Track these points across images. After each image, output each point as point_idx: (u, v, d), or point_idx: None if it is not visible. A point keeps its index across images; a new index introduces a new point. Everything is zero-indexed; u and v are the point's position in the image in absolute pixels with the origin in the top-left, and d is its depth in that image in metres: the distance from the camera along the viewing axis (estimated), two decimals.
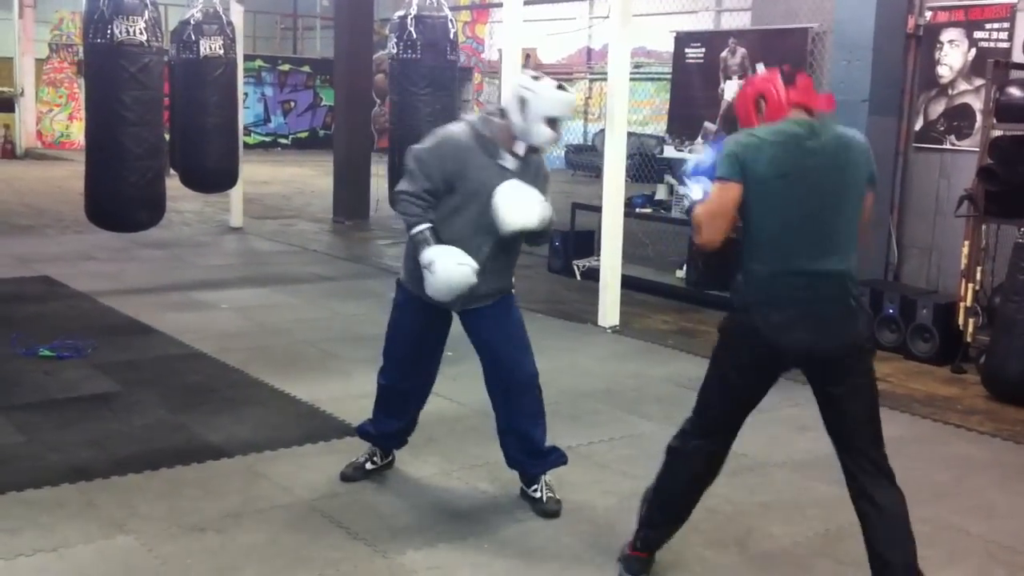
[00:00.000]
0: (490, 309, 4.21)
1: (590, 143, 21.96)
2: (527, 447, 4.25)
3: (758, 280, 3.35)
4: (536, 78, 4.05)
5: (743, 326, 3.40)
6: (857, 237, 3.37)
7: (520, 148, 4.04)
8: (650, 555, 3.69)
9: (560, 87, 4.05)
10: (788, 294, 3.31)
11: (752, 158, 3.25)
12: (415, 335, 4.30)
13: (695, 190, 3.41)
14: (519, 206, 3.95)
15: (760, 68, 8.77)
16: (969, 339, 6.69)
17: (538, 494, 4.25)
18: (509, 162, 4.04)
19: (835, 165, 3.30)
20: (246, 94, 20.69)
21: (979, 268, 6.74)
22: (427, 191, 4.03)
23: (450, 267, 3.95)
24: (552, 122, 4.00)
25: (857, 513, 3.48)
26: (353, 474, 4.49)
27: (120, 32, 7.24)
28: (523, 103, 3.96)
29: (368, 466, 4.52)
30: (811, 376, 3.47)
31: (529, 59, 21.53)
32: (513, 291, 4.31)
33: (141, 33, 7.32)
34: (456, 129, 4.10)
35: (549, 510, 4.19)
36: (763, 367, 3.47)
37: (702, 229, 3.35)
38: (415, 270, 4.14)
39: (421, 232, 4.04)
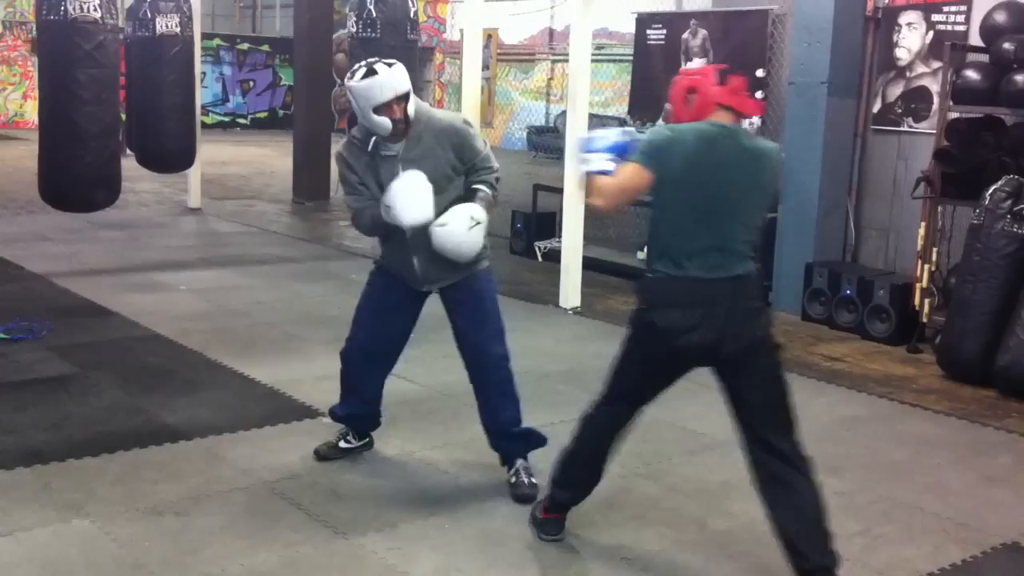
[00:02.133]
0: (462, 290, 4.18)
1: (552, 125, 21.94)
2: (499, 429, 4.25)
3: (660, 281, 3.37)
4: (352, 74, 3.97)
5: (646, 325, 3.41)
6: (755, 244, 3.45)
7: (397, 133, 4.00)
8: (562, 516, 3.80)
9: (368, 72, 3.91)
10: (688, 298, 3.32)
11: (668, 153, 3.28)
12: (385, 305, 4.29)
13: (600, 161, 3.41)
14: (411, 203, 3.90)
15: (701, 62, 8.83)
16: (925, 319, 6.78)
17: (513, 478, 4.21)
18: (393, 149, 4.02)
19: (742, 172, 3.33)
20: (204, 73, 20.47)
21: (935, 249, 6.82)
22: (360, 184, 4.09)
23: (402, 185, 3.92)
24: (382, 108, 3.90)
25: (765, 502, 3.49)
26: (327, 453, 4.49)
27: (74, 9, 7.11)
28: (354, 103, 3.96)
29: (342, 444, 4.52)
30: (716, 372, 3.47)
31: (491, 39, 21.46)
32: (486, 264, 4.24)
33: (96, 10, 7.19)
34: (339, 148, 4.20)
35: (521, 494, 4.14)
36: (665, 363, 3.50)
37: (604, 195, 3.39)
38: (390, 251, 4.19)
39: (369, 205, 4.06)
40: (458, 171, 4.08)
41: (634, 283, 3.52)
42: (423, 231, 3.97)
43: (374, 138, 4.03)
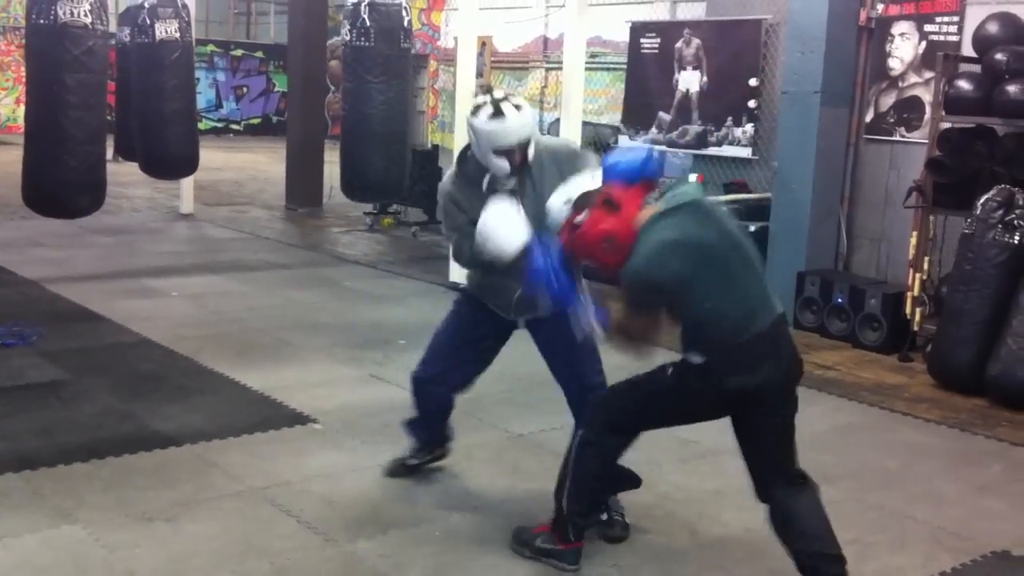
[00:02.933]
0: (551, 321, 3.98)
1: (546, 132, 21.96)
2: None
3: (725, 353, 3.33)
4: (476, 110, 3.84)
5: (710, 386, 3.38)
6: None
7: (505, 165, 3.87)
8: (583, 542, 3.71)
9: (496, 113, 3.78)
10: (756, 358, 3.33)
11: (676, 259, 3.25)
12: (470, 338, 4.15)
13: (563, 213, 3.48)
14: (504, 233, 3.77)
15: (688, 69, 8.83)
16: (917, 328, 6.79)
17: (604, 516, 3.95)
18: (508, 184, 3.89)
19: (725, 224, 3.36)
20: (198, 79, 20.42)
21: (927, 258, 6.84)
22: (469, 223, 3.92)
23: (491, 218, 3.80)
24: (504, 153, 3.81)
25: (774, 522, 3.50)
26: (397, 470, 4.43)
27: (64, 13, 7.07)
28: (473, 137, 3.87)
29: (412, 461, 4.45)
30: (747, 409, 3.44)
31: (485, 47, 21.45)
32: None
33: (86, 15, 7.16)
34: (444, 180, 4.10)
35: (612, 535, 3.93)
36: (715, 411, 3.51)
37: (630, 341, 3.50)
38: (482, 280, 4.06)
39: (466, 225, 3.91)
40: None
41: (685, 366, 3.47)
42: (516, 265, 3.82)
43: (488, 175, 3.90)
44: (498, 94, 3.84)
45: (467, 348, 4.17)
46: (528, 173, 3.90)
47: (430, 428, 4.42)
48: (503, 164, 3.83)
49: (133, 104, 9.31)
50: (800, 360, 3.49)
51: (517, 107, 3.82)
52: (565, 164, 3.87)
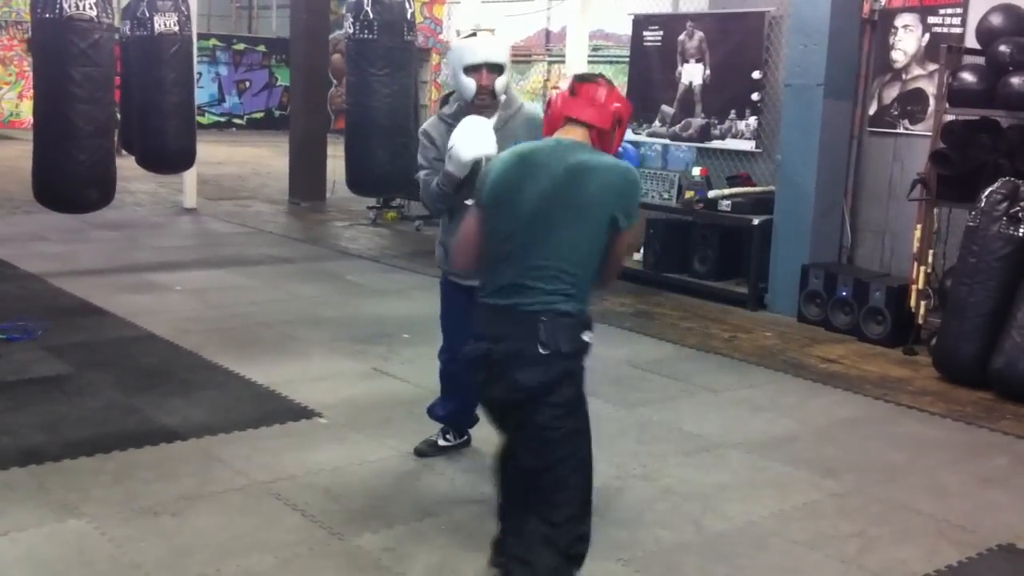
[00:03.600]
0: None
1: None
2: None
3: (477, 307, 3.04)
4: (457, 35, 4.12)
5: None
6: (575, 277, 2.91)
7: (490, 113, 4.03)
8: None
9: (470, 35, 4.08)
10: (479, 330, 2.99)
11: (486, 180, 3.06)
12: (455, 313, 4.26)
13: None
14: (472, 139, 3.84)
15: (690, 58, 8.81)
16: (921, 321, 6.78)
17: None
18: (491, 121, 4.01)
19: (558, 190, 2.91)
20: (200, 74, 20.42)
21: (931, 251, 6.82)
22: (436, 159, 4.12)
23: (467, 124, 3.90)
24: (471, 70, 4.02)
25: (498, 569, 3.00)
26: (427, 450, 4.56)
27: (70, 6, 7.08)
28: (448, 64, 4.07)
29: (441, 442, 4.58)
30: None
31: None
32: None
33: (91, 8, 7.16)
34: (427, 122, 4.32)
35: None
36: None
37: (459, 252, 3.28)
38: (445, 254, 4.20)
39: (434, 160, 4.07)
40: None
41: None
42: None
43: (458, 105, 4.11)
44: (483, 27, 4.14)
45: (463, 324, 4.16)
46: (501, 128, 4.01)
47: (459, 409, 4.47)
48: (470, 83, 4.05)
49: (130, 98, 9.32)
50: (524, 383, 2.90)
51: (493, 32, 4.11)
52: (536, 134, 3.82)
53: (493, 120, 3.99)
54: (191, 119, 9.38)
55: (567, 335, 2.88)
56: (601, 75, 3.20)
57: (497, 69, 4.06)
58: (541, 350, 2.84)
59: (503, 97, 4.13)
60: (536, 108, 4.19)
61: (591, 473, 3.00)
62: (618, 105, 3.10)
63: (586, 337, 2.94)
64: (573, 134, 3.06)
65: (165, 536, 3.72)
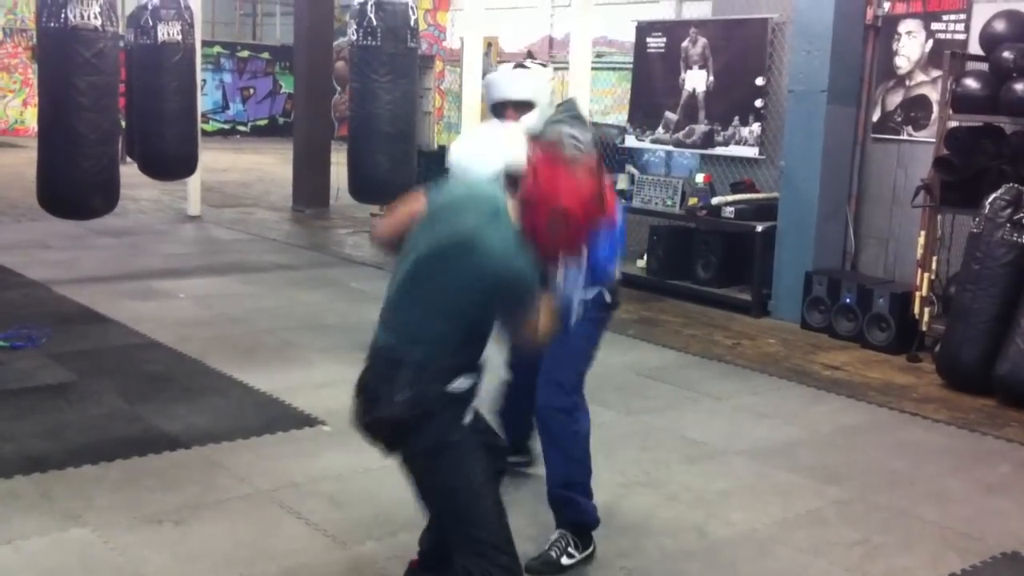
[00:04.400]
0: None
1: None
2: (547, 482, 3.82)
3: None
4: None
5: None
6: (437, 328, 2.81)
7: None
8: None
9: (516, 67, 3.75)
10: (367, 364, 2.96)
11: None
12: None
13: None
14: (479, 151, 3.49)
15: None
16: (925, 328, 6.77)
17: (547, 545, 3.71)
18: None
19: (436, 247, 2.82)
20: (204, 81, 20.45)
21: (935, 258, 6.82)
22: None
23: (483, 131, 3.69)
24: (498, 108, 3.71)
25: None
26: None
27: (75, 16, 7.10)
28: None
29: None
30: None
31: (491, 47, 21.45)
32: (596, 298, 3.71)
33: (96, 17, 7.19)
34: None
35: (534, 566, 3.62)
36: None
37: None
38: None
39: None
40: None
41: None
42: None
43: None
44: (533, 62, 3.80)
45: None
46: None
47: (513, 429, 4.17)
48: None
49: (133, 105, 9.34)
50: (374, 415, 2.90)
51: (529, 67, 3.76)
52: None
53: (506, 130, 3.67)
54: (193, 126, 9.40)
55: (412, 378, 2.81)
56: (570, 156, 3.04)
57: (523, 106, 3.71)
58: (397, 398, 2.81)
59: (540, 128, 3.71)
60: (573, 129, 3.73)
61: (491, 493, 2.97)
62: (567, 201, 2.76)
63: (455, 385, 2.84)
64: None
65: (168, 544, 3.72)
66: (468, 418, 2.90)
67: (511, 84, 3.77)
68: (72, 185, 7.43)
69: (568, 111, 3.83)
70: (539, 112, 3.76)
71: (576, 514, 3.74)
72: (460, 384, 2.84)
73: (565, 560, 3.68)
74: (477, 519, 2.87)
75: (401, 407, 2.81)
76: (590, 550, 3.74)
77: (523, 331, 2.93)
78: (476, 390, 2.92)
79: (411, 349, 2.82)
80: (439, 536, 3.20)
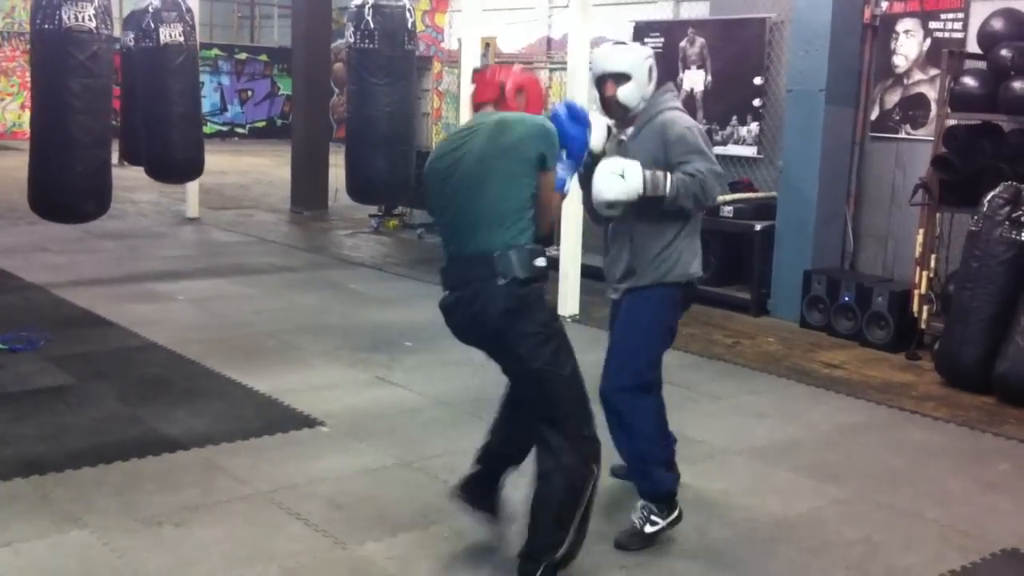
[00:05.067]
0: (623, 305, 4.01)
1: None
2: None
3: (442, 266, 3.54)
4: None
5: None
6: (518, 215, 3.37)
7: (631, 119, 3.97)
8: None
9: (618, 43, 4.08)
10: (449, 281, 3.48)
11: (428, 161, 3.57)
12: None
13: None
14: (601, 180, 3.76)
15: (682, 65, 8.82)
16: (924, 326, 6.78)
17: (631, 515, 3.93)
18: (626, 134, 3.98)
19: (479, 153, 3.39)
20: (202, 83, 20.44)
21: (933, 256, 6.82)
22: None
23: (601, 167, 3.81)
24: (599, 82, 3.96)
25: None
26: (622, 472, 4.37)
27: (69, 18, 7.08)
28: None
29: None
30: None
31: (489, 48, 21.47)
32: (660, 286, 3.92)
33: (91, 19, 7.17)
34: None
35: (619, 540, 3.87)
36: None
37: None
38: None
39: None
40: (659, 165, 3.82)
41: None
42: (622, 230, 3.94)
43: (612, 122, 4.03)
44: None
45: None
46: (634, 139, 3.94)
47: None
48: (596, 94, 4.01)
49: (138, 108, 9.32)
50: (487, 310, 3.35)
51: (626, 43, 4.12)
52: (664, 137, 3.86)
53: (621, 159, 3.81)
54: (198, 129, 9.39)
55: (521, 263, 3.34)
56: (502, 64, 3.52)
57: (621, 78, 3.89)
58: (499, 280, 3.32)
59: (640, 105, 3.94)
60: (673, 115, 3.92)
61: (581, 381, 3.47)
62: (504, 76, 3.54)
63: (539, 263, 3.38)
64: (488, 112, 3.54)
65: (168, 546, 3.72)
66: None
67: (609, 58, 3.97)
68: (64, 188, 7.40)
69: (668, 90, 4.08)
70: (635, 85, 3.91)
71: (649, 485, 3.91)
72: (542, 262, 3.41)
73: (648, 528, 3.88)
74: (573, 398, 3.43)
75: (509, 290, 3.34)
76: (674, 515, 3.93)
77: (548, 199, 3.45)
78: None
79: (492, 245, 3.36)
80: (508, 436, 3.69)
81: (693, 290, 4.09)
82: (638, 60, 3.94)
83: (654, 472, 3.92)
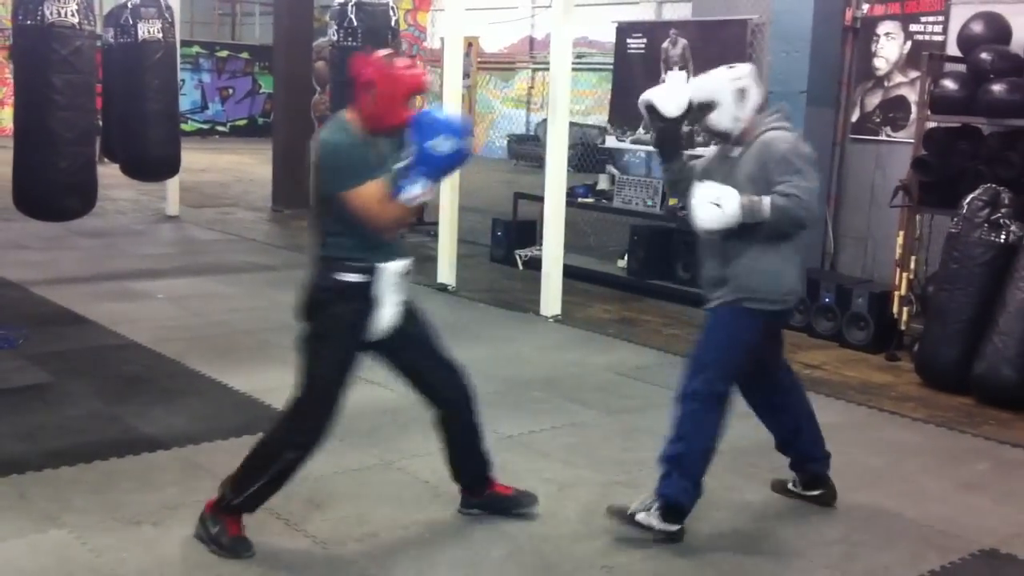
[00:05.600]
0: (713, 313, 4.04)
1: (532, 133, 21.98)
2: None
3: None
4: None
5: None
6: (331, 228, 3.63)
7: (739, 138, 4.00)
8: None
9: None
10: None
11: None
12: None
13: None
14: (698, 207, 3.88)
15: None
16: (903, 327, 6.81)
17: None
18: (734, 152, 4.02)
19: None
20: (183, 80, 20.37)
21: (913, 257, 6.86)
22: None
23: (698, 192, 3.93)
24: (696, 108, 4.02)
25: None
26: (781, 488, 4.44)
27: (51, 13, 7.04)
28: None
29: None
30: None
31: (471, 48, 21.47)
32: (746, 307, 3.94)
33: (73, 15, 7.13)
34: None
35: (613, 508, 4.00)
36: None
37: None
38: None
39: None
40: (759, 185, 3.85)
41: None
42: (716, 246, 3.99)
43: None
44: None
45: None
46: (742, 153, 3.97)
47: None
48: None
49: (113, 105, 9.27)
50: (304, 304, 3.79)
51: (713, 73, 4.03)
52: (762, 163, 3.87)
53: (715, 186, 3.89)
54: (175, 127, 9.35)
55: (320, 270, 3.70)
56: (386, 51, 3.69)
57: (706, 107, 4.00)
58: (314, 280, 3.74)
59: (739, 126, 3.97)
60: (774, 135, 3.92)
61: (330, 388, 3.77)
62: (361, 67, 3.58)
63: (340, 276, 3.65)
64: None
65: (147, 546, 3.70)
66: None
67: (695, 89, 4.08)
68: (48, 186, 7.35)
69: (777, 111, 4.09)
70: (723, 110, 3.97)
71: (665, 486, 3.91)
72: (344, 276, 3.68)
73: (640, 517, 3.89)
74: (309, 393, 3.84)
75: (313, 290, 3.81)
76: (674, 529, 3.90)
77: (363, 210, 3.52)
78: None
79: (316, 250, 3.75)
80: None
81: (784, 315, 4.14)
82: (720, 86, 3.99)
83: (679, 481, 3.90)
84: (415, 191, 3.49)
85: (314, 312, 3.73)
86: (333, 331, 3.70)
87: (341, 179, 3.51)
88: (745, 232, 3.85)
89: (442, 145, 3.45)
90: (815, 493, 4.35)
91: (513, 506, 4.06)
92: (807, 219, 3.84)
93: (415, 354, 3.84)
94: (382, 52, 3.67)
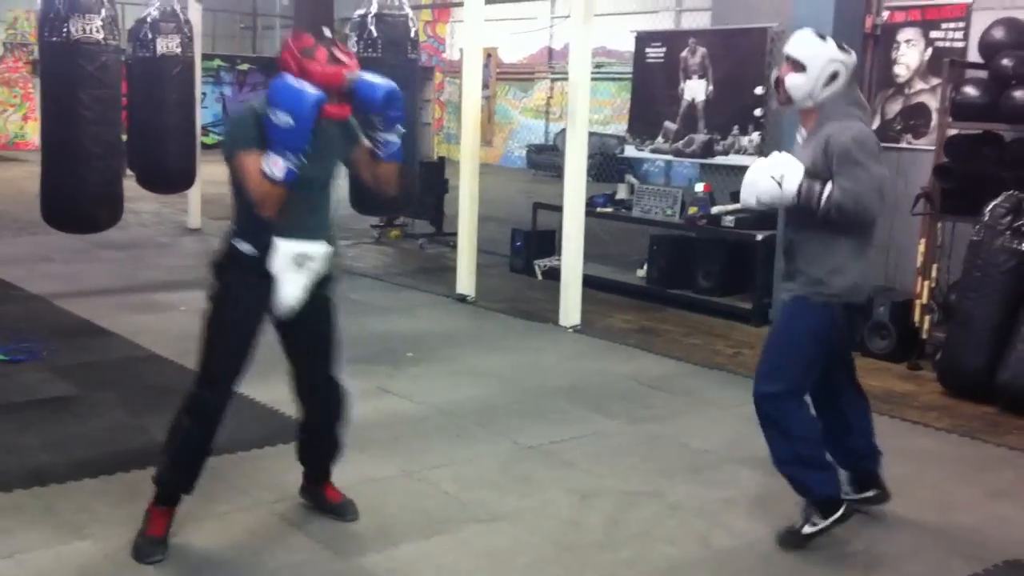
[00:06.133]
0: (786, 305, 4.00)
1: (551, 143, 22.00)
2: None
3: None
4: None
5: None
6: (237, 204, 3.90)
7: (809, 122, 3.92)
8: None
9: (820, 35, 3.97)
10: None
11: None
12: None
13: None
14: (756, 179, 3.77)
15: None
16: (925, 336, 6.77)
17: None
18: (800, 137, 3.97)
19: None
20: (204, 94, 20.48)
21: (935, 265, 6.82)
22: None
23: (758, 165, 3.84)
24: (785, 59, 3.90)
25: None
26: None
27: (77, 30, 7.12)
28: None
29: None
30: None
31: (490, 58, 21.53)
32: (817, 301, 3.86)
33: (98, 31, 7.21)
34: None
35: (782, 536, 4.00)
36: None
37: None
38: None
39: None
40: (822, 173, 3.75)
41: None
42: (788, 231, 3.94)
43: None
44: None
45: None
46: (809, 136, 3.90)
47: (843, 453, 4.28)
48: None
49: (132, 118, 9.38)
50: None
51: (821, 39, 3.91)
52: (826, 152, 3.76)
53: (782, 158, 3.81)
54: (192, 140, 9.43)
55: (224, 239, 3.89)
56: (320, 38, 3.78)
57: (797, 65, 3.82)
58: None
59: (806, 103, 3.85)
60: (842, 124, 3.78)
61: (225, 347, 4.02)
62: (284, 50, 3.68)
63: (237, 244, 3.84)
64: None
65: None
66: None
67: (794, 40, 3.92)
68: (78, 199, 7.42)
69: (853, 101, 3.94)
70: (807, 78, 3.81)
71: (800, 488, 3.96)
72: (240, 244, 3.86)
73: (807, 529, 3.95)
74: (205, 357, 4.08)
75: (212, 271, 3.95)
76: (837, 515, 3.94)
77: (247, 184, 3.68)
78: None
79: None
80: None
81: (855, 309, 4.03)
82: (819, 56, 3.82)
83: (811, 475, 3.94)
84: (269, 166, 3.54)
85: (213, 276, 3.89)
86: (225, 296, 3.85)
87: (230, 143, 3.72)
88: (811, 225, 3.78)
89: (279, 118, 3.45)
90: (869, 495, 4.30)
91: (332, 510, 4.10)
92: (861, 214, 3.71)
93: (304, 348, 4.10)
94: (308, 42, 3.67)
